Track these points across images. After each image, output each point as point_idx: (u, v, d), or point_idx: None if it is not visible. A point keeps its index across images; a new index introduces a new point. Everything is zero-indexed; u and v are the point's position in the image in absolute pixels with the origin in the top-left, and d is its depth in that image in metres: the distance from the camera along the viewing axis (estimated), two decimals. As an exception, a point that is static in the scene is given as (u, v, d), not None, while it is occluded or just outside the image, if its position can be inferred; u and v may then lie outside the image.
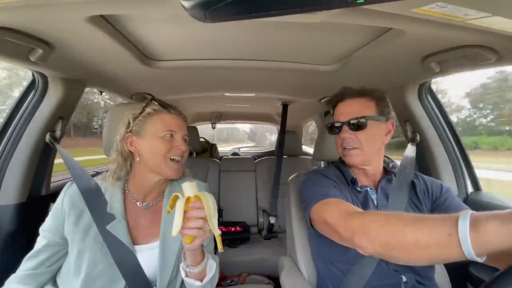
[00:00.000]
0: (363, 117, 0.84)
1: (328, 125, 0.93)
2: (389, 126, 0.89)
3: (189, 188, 0.62)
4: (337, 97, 0.91)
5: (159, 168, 0.78)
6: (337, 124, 0.88)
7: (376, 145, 0.87)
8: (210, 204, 0.61)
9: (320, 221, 0.76)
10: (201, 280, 0.72)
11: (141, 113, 0.80)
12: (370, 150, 0.85)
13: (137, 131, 0.80)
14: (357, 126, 0.84)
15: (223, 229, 2.00)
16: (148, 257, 0.78)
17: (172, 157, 0.79)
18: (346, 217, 0.66)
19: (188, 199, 0.61)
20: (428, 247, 0.50)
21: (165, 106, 0.82)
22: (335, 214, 0.70)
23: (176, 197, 0.63)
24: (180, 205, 0.60)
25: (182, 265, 0.73)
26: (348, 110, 0.86)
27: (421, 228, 0.52)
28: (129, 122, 0.81)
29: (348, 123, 0.85)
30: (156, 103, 0.82)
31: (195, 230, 0.61)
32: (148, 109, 0.81)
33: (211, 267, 0.75)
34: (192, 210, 0.60)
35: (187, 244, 0.63)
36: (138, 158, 0.81)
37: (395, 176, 0.91)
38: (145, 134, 0.79)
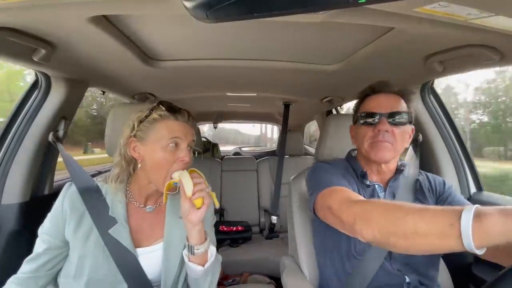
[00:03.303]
0: (405, 112, 0.82)
1: (363, 114, 0.84)
2: (411, 131, 0.86)
3: (179, 173, 0.72)
4: (373, 88, 0.87)
5: (157, 183, 0.76)
6: (375, 115, 0.82)
7: (404, 145, 0.84)
8: (201, 173, 0.74)
9: (324, 207, 0.75)
10: (203, 265, 0.74)
11: (146, 117, 0.76)
12: (399, 149, 0.83)
13: (141, 137, 0.75)
14: (397, 121, 0.81)
15: (225, 228, 2.01)
16: (150, 259, 0.78)
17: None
18: (349, 204, 0.66)
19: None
20: (428, 235, 0.50)
21: (172, 111, 0.76)
22: (339, 200, 0.70)
23: (171, 184, 0.73)
24: (186, 174, 0.71)
25: (184, 251, 0.75)
26: (386, 104, 0.82)
27: (424, 216, 0.52)
28: (133, 126, 0.76)
29: (389, 115, 0.81)
30: (164, 107, 0.76)
31: (202, 192, 0.69)
32: (154, 114, 0.75)
33: (212, 253, 0.77)
34: (193, 179, 0.69)
35: (198, 209, 0.69)
36: (140, 165, 0.78)
37: (402, 175, 0.90)
38: (148, 141, 0.75)
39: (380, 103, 0.83)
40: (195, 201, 0.69)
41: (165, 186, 0.73)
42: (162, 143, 0.74)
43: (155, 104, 0.78)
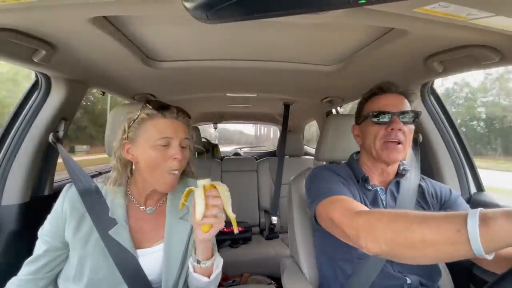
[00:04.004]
0: (412, 111, 0.82)
1: (375, 113, 0.83)
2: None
3: (203, 181, 0.65)
4: (382, 87, 0.87)
5: (153, 181, 0.76)
6: (387, 114, 0.82)
7: (410, 143, 0.84)
8: (224, 192, 0.65)
9: (326, 218, 0.75)
10: (208, 276, 0.73)
11: (136, 118, 0.76)
12: (408, 148, 0.83)
13: (132, 138, 0.75)
14: (407, 120, 0.81)
15: (225, 229, 2.00)
16: (151, 260, 0.77)
17: (171, 170, 0.74)
18: (352, 216, 0.65)
19: (204, 188, 0.64)
20: (436, 244, 0.49)
21: (159, 109, 0.75)
22: (341, 212, 0.68)
23: (190, 191, 0.66)
24: (200, 194, 0.63)
25: (191, 261, 0.74)
26: (396, 103, 0.83)
27: (429, 224, 0.50)
28: (124, 128, 0.77)
29: (400, 114, 0.81)
30: (151, 106, 0.76)
31: (213, 218, 0.64)
32: (142, 114, 0.75)
33: (218, 264, 0.76)
34: (209, 198, 0.63)
35: (205, 233, 0.65)
36: (134, 167, 0.79)
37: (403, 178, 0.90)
38: (139, 142, 0.74)
39: (390, 102, 0.83)
40: (202, 225, 0.65)
41: (184, 193, 0.69)
42: (152, 143, 0.73)
43: (143, 104, 0.77)
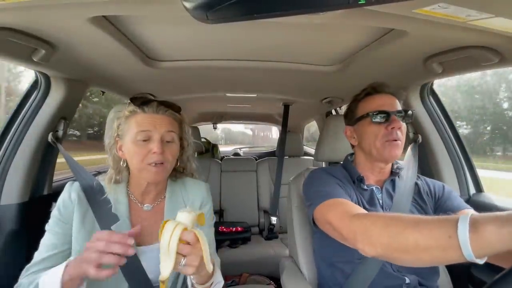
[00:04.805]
0: (407, 110, 0.84)
1: (374, 113, 0.84)
2: None
3: (184, 215, 0.58)
4: (375, 87, 0.88)
5: (140, 174, 0.76)
6: (387, 113, 0.83)
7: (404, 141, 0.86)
8: (205, 242, 0.58)
9: (324, 221, 0.76)
10: None
11: (122, 116, 0.78)
12: (403, 145, 0.84)
13: (120, 135, 0.78)
14: (405, 118, 0.84)
15: (224, 229, 2.01)
16: (151, 258, 0.77)
17: (149, 163, 0.74)
18: (349, 219, 0.66)
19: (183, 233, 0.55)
20: (429, 249, 0.50)
21: (140, 105, 0.77)
22: (338, 215, 0.70)
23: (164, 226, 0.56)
24: (173, 243, 0.53)
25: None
26: (391, 102, 0.85)
27: (421, 230, 0.51)
28: (115, 127, 0.79)
29: (399, 112, 0.83)
30: (134, 103, 0.77)
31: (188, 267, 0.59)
32: (125, 112, 0.78)
33: (218, 283, 0.73)
34: (183, 248, 0.57)
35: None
36: (124, 163, 0.79)
37: (398, 177, 0.91)
38: (125, 138, 0.77)
39: (386, 102, 0.85)
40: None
41: (161, 225, 0.59)
42: (133, 138, 0.74)
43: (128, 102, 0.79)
